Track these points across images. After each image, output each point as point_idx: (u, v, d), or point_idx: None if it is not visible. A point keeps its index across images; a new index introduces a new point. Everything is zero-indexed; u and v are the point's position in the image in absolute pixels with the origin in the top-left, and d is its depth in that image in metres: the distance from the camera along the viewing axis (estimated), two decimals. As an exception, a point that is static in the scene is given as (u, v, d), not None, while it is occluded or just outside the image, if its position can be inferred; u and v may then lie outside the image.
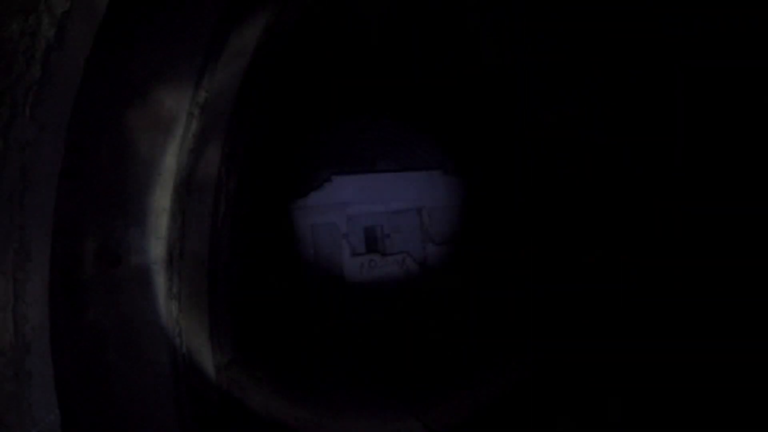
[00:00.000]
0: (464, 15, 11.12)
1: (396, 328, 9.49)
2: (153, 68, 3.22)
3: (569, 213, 15.38)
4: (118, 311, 3.27)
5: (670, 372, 5.26)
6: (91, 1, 2.08)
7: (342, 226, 17.52)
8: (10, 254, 2.10)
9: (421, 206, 19.26)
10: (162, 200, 4.11)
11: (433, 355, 7.39)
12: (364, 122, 19.54)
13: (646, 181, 9.83)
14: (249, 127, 6.14)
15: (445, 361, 6.88)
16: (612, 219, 11.44)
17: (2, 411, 1.66)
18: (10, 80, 1.78)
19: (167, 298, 4.19)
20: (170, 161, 4.11)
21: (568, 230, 15.86)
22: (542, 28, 10.16)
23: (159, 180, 4.04)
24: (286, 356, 7.70)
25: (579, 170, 14.00)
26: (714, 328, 6.11)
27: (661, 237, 9.22)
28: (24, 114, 2.03)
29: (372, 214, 19.05)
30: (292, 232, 16.38)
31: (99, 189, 3.14)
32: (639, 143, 9.69)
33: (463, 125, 18.56)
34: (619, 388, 5.16)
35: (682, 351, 5.51)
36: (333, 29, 9.36)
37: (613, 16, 7.74)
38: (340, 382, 6.47)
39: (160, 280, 4.07)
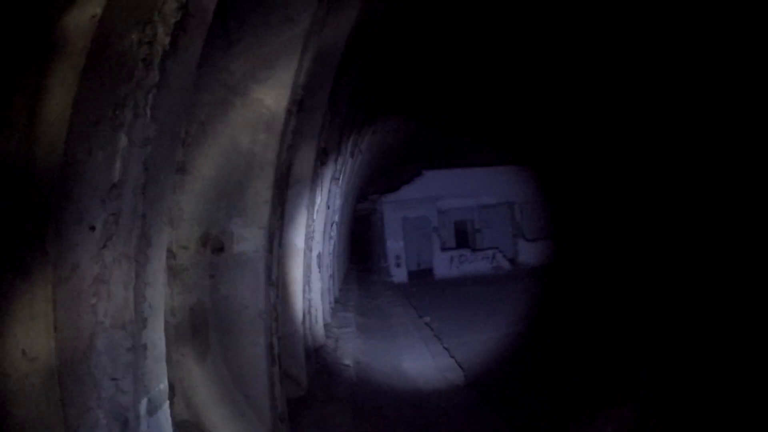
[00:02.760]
0: None
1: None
2: (253, 69, 3.44)
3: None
4: (220, 294, 3.56)
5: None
6: (200, 11, 2.27)
7: (433, 219, 17.48)
8: (133, 240, 2.36)
9: (513, 201, 18.59)
10: (263, 192, 4.37)
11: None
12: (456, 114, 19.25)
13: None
14: (341, 122, 6.34)
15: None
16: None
17: (120, 378, 1.89)
18: (132, 85, 2.00)
19: (266, 284, 4.45)
20: (270, 156, 4.35)
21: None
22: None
23: (260, 174, 4.30)
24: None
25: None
26: None
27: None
28: (145, 114, 2.27)
29: (462, 208, 18.79)
30: (383, 226, 16.68)
31: (204, 182, 3.43)
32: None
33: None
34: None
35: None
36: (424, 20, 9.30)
37: None
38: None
39: (260, 267, 4.33)
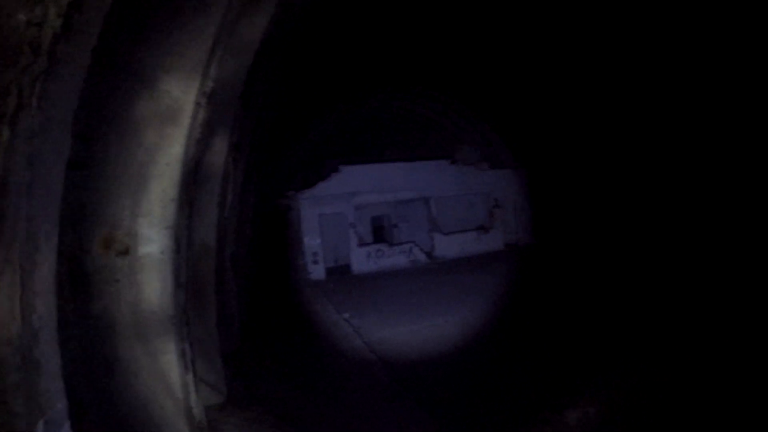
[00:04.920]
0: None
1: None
2: (160, 58, 3.21)
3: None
4: (126, 301, 3.29)
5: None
6: (97, -9, 2.07)
7: (350, 215, 17.51)
8: (17, 244, 2.11)
9: (429, 196, 19.20)
10: (170, 190, 4.12)
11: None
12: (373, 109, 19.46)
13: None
14: (256, 117, 6.12)
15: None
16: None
17: (9, 399, 1.68)
18: (17, 71, 1.77)
19: (175, 287, 4.21)
20: (177, 151, 4.11)
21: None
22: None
23: (167, 170, 4.05)
24: (294, 347, 7.75)
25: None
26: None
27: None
28: (31, 104, 2.03)
29: (380, 203, 19.03)
30: (300, 222, 16.41)
31: (106, 179, 3.15)
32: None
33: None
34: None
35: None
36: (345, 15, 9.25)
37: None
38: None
39: (168, 269, 4.08)
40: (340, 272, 17.08)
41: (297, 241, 16.73)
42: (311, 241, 16.59)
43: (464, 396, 5.49)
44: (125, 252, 3.32)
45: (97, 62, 2.28)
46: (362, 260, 17.65)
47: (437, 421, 4.92)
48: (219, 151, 5.20)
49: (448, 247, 19.18)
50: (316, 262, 16.59)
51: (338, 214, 17.52)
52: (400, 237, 19.51)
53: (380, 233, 19.73)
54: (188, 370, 4.12)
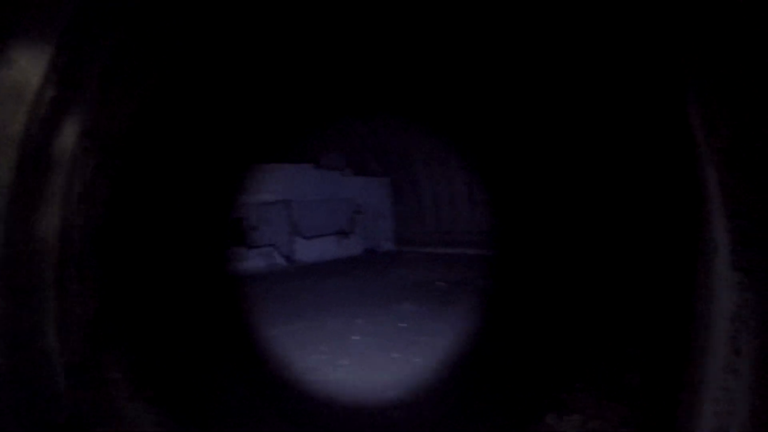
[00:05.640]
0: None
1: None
2: (11, 19, 2.75)
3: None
4: (-54, 306, 2.72)
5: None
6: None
7: (207, 216, 16.59)
8: None
9: (290, 199, 19.01)
10: (3, 176, 3.57)
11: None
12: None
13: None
14: (116, 104, 5.45)
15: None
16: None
17: None
18: None
19: (5, 289, 3.65)
20: (17, 130, 3.59)
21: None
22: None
23: (2, 151, 3.48)
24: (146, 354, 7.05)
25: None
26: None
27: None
28: None
29: (240, 205, 18.29)
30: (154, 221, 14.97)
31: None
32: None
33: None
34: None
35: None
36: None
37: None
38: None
39: (-5, 270, 3.51)
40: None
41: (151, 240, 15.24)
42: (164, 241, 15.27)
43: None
44: (-52, 247, 2.76)
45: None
46: (218, 262, 16.76)
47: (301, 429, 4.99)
48: (68, 136, 4.54)
49: (309, 251, 19.25)
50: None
51: (195, 214, 16.43)
52: (260, 239, 18.99)
53: (240, 235, 18.98)
54: (22, 388, 3.56)
